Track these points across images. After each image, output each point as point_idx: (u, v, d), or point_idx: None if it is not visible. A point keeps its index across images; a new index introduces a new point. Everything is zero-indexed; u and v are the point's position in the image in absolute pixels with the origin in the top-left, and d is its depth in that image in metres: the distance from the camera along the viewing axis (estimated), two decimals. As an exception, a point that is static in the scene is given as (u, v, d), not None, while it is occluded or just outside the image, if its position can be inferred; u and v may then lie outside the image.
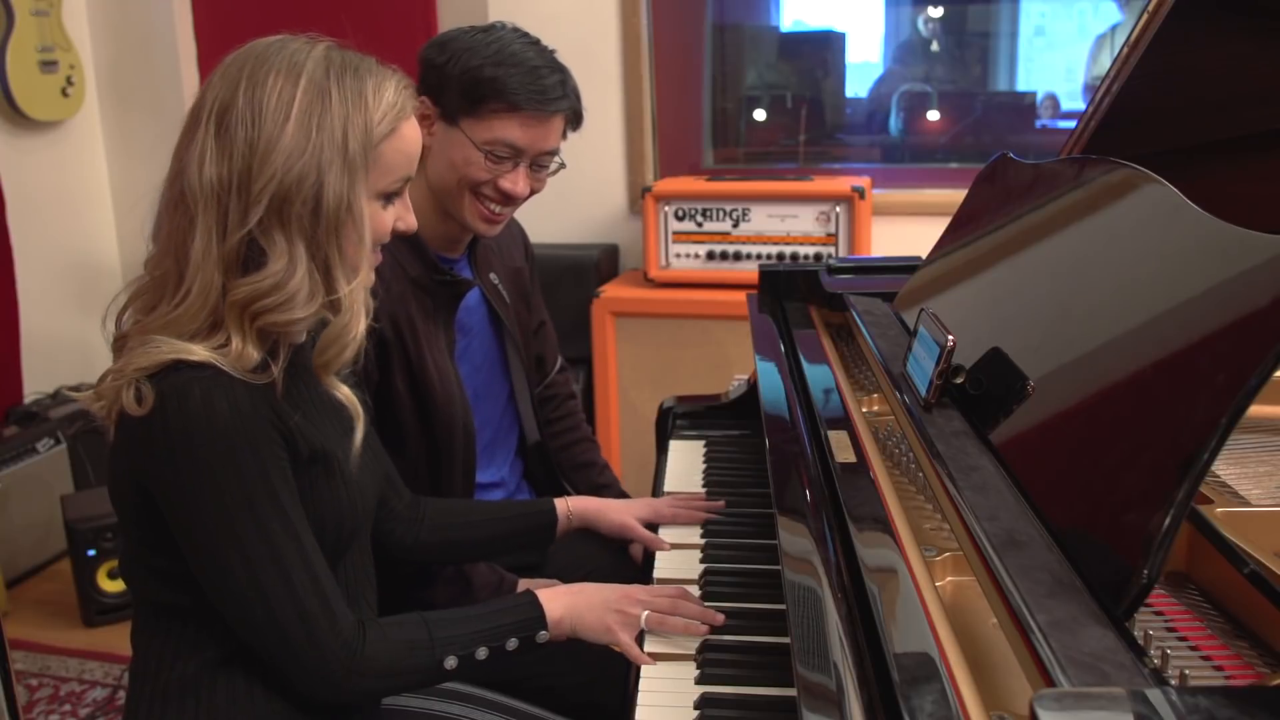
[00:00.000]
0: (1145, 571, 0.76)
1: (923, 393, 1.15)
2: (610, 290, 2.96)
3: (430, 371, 1.55)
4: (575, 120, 1.57)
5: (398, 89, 1.14)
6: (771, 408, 1.44)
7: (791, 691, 0.98)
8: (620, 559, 1.78)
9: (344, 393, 1.16)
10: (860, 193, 2.76)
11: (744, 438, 1.82)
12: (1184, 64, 1.37)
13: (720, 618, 1.24)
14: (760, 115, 3.39)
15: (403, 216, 1.19)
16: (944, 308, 1.25)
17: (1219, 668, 0.81)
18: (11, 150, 3.28)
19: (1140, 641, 0.78)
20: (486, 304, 1.69)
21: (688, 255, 2.93)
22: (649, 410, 2.01)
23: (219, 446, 1.05)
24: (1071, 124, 1.51)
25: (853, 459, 1.17)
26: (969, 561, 0.93)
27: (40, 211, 3.39)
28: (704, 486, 1.67)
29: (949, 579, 1.00)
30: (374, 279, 1.21)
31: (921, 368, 1.18)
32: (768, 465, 1.32)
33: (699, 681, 1.15)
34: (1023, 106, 3.33)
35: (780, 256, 2.86)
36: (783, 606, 1.07)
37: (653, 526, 1.54)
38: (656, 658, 1.21)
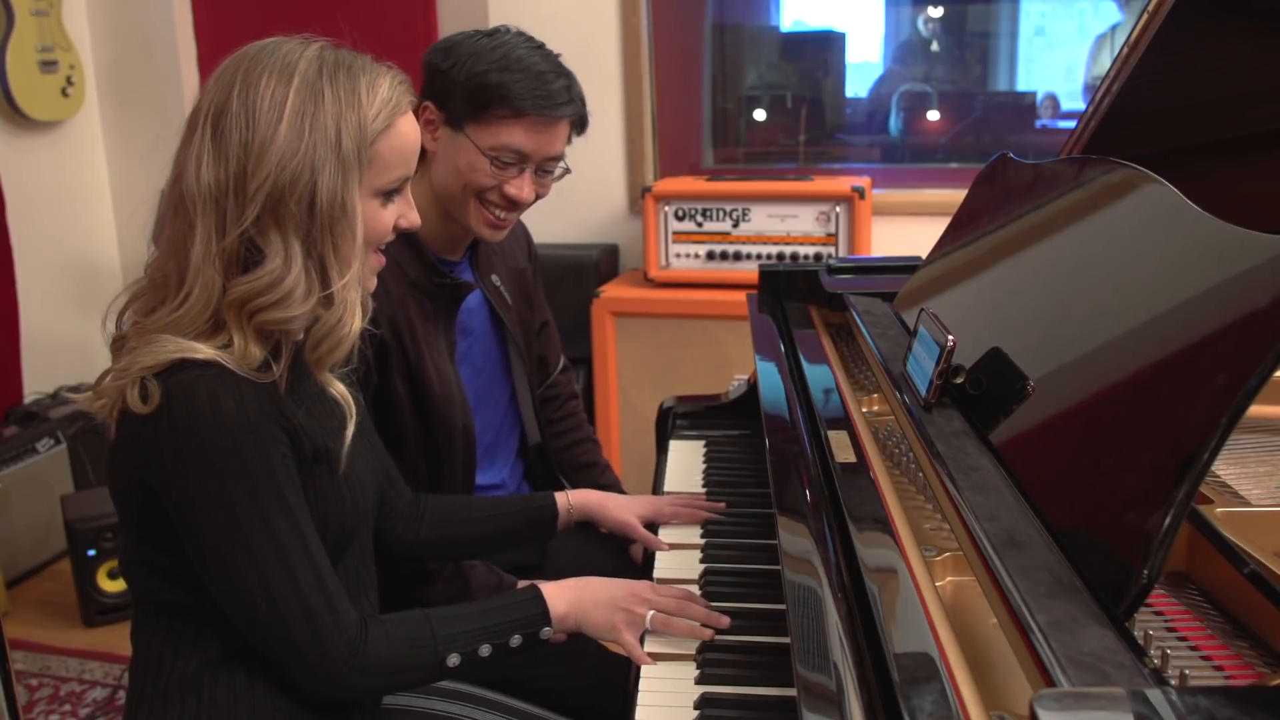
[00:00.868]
0: (1145, 571, 0.76)
1: (923, 393, 1.15)
2: (610, 290, 2.96)
3: (430, 374, 1.55)
4: (580, 125, 1.57)
5: (392, 85, 1.14)
6: (771, 408, 1.44)
7: (791, 691, 0.98)
8: (621, 559, 1.78)
9: (338, 389, 1.16)
10: (860, 193, 2.76)
11: (744, 438, 1.82)
12: (1184, 64, 1.37)
13: (726, 620, 1.24)
14: (760, 115, 3.39)
15: (405, 214, 1.19)
16: (944, 308, 1.25)
17: (1219, 668, 0.81)
18: (11, 150, 3.28)
19: (1140, 641, 0.78)
20: (488, 306, 1.69)
21: (688, 255, 2.93)
22: (649, 410, 2.01)
23: (225, 444, 1.05)
24: (1071, 124, 1.51)
25: (853, 459, 1.17)
26: (969, 561, 0.93)
27: (40, 211, 3.39)
28: (704, 486, 1.67)
29: (949, 579, 1.00)
30: (375, 280, 1.21)
31: (921, 368, 1.18)
32: (768, 465, 1.32)
33: (699, 681, 1.15)
34: (1023, 106, 3.33)
35: (780, 256, 2.86)
36: (783, 606, 1.07)
37: (652, 526, 1.54)
38: (656, 658, 1.21)
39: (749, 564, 1.41)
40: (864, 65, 3.40)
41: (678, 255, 2.94)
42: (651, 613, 1.24)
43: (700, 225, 2.91)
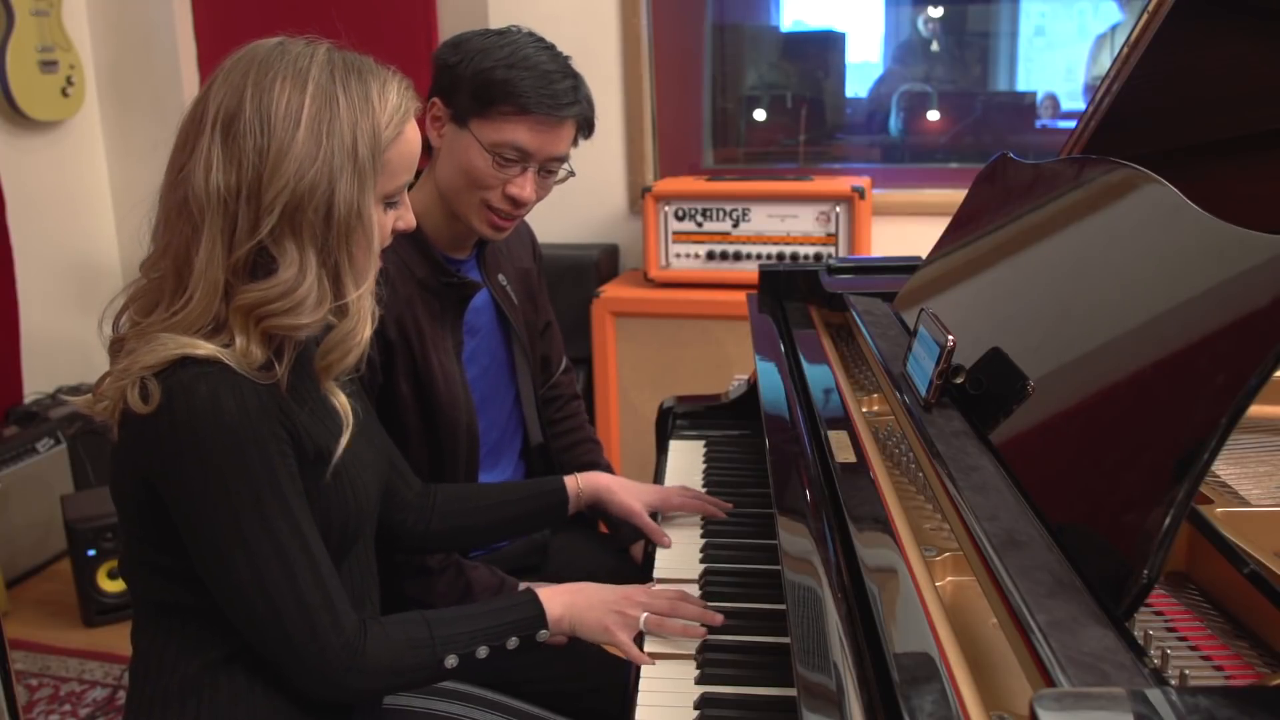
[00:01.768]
0: (1145, 571, 0.76)
1: (923, 393, 1.15)
2: (610, 290, 2.96)
3: (435, 374, 1.55)
4: (587, 128, 1.56)
5: (400, 91, 1.14)
6: (771, 408, 1.44)
7: (791, 691, 0.98)
8: (621, 560, 1.78)
9: (340, 399, 1.15)
10: (860, 193, 2.76)
11: (744, 438, 1.82)
12: (1184, 64, 1.37)
13: (719, 618, 1.24)
14: (760, 115, 3.39)
15: (402, 216, 1.19)
16: (944, 308, 1.25)
17: (1219, 668, 0.81)
18: (11, 150, 3.28)
19: (1140, 641, 0.78)
20: (495, 305, 1.69)
21: (688, 255, 2.93)
22: (649, 410, 2.01)
23: (226, 443, 1.05)
24: (1071, 124, 1.51)
25: (853, 459, 1.17)
26: (969, 561, 0.93)
27: (40, 211, 3.39)
28: (704, 487, 1.67)
29: (949, 579, 1.00)
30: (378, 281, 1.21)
31: (921, 368, 1.18)
32: (768, 465, 1.32)
33: (699, 681, 1.15)
34: (1023, 106, 3.33)
35: (780, 256, 2.86)
36: (783, 606, 1.07)
37: (653, 516, 1.54)
38: (656, 658, 1.21)
39: (749, 564, 1.41)
40: (864, 65, 3.40)
41: (678, 255, 2.93)
42: (645, 614, 1.25)
43: (700, 225, 2.91)
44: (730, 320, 2.74)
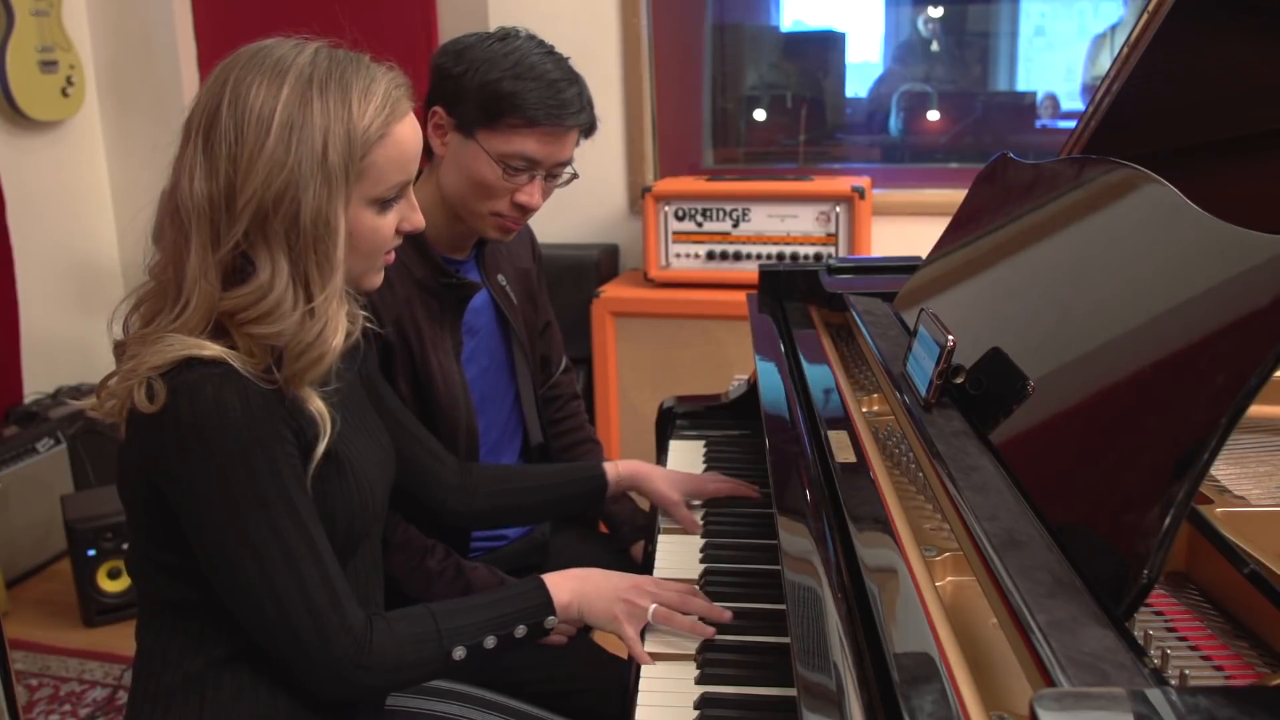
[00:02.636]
0: (1145, 571, 0.76)
1: (923, 393, 1.15)
2: (610, 290, 2.96)
3: (434, 374, 1.55)
4: (589, 130, 1.57)
5: (388, 90, 1.12)
6: (771, 408, 1.44)
7: (791, 691, 0.99)
8: (621, 559, 1.78)
9: (315, 405, 1.12)
10: (860, 193, 2.76)
11: (744, 438, 1.82)
12: (1184, 64, 1.37)
13: (728, 615, 1.24)
14: (760, 115, 3.39)
15: (408, 217, 1.18)
16: (944, 308, 1.25)
17: (1219, 668, 0.81)
18: (11, 150, 3.28)
19: (1140, 641, 0.78)
20: (494, 306, 1.69)
21: (688, 255, 2.93)
22: (649, 410, 2.01)
23: (231, 443, 1.05)
24: (1071, 124, 1.51)
25: (853, 459, 1.17)
26: (969, 561, 0.93)
27: (40, 211, 3.39)
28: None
29: (949, 579, 1.00)
30: (380, 282, 1.20)
31: (921, 368, 1.18)
32: (768, 465, 1.32)
33: (699, 681, 1.15)
34: (1023, 106, 3.33)
35: (780, 256, 2.86)
36: (783, 606, 1.07)
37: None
38: (656, 658, 1.21)
39: (749, 564, 1.41)
40: (864, 65, 3.40)
41: (678, 255, 2.94)
42: (654, 606, 1.24)
43: (700, 225, 2.91)
44: (730, 320, 2.74)
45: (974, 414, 1.10)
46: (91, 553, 2.76)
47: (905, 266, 1.64)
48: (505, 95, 1.47)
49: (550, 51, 1.54)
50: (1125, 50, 1.37)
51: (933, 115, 3.30)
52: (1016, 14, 3.30)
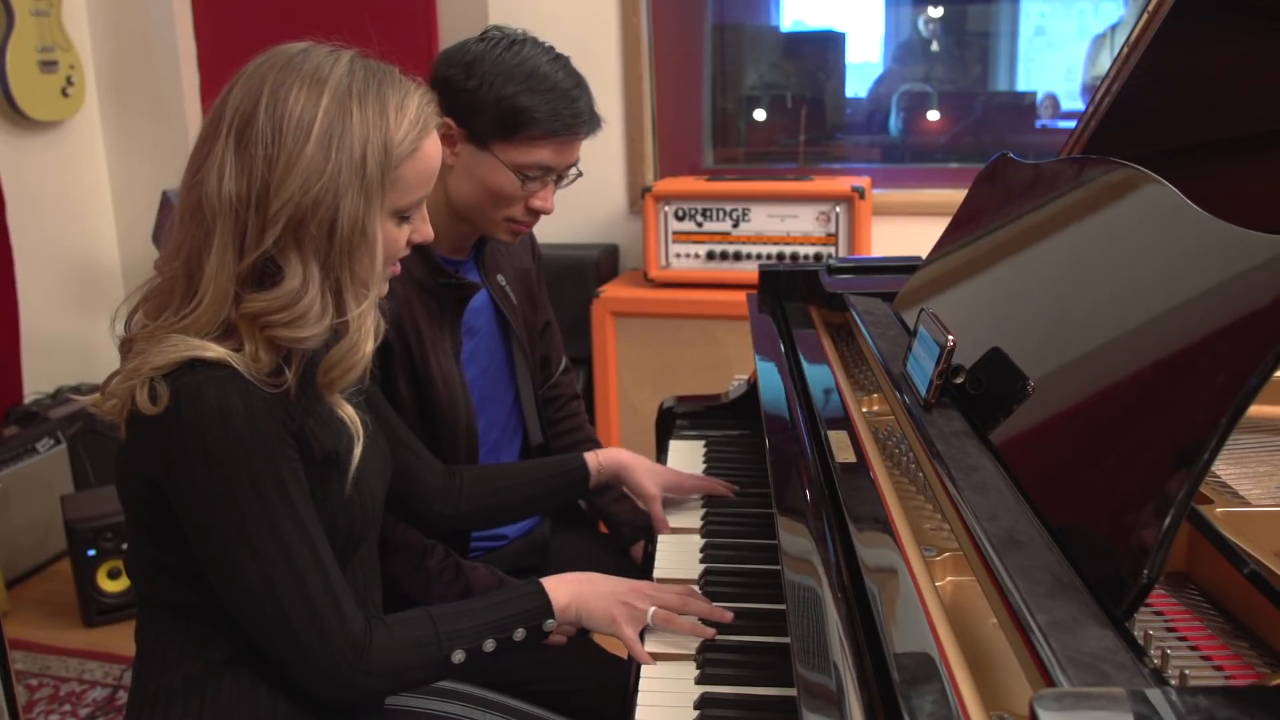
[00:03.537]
0: (1145, 571, 0.76)
1: (923, 393, 1.15)
2: (610, 290, 2.96)
3: (434, 375, 1.55)
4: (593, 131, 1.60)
5: (420, 107, 1.13)
6: (771, 408, 1.44)
7: (791, 691, 0.99)
8: (621, 560, 1.78)
9: (347, 411, 1.15)
10: (860, 193, 2.76)
11: (744, 438, 1.82)
12: (1184, 64, 1.37)
13: (729, 616, 1.25)
14: (760, 115, 3.39)
15: (419, 229, 1.19)
16: (944, 308, 1.25)
17: (1219, 668, 0.81)
18: (11, 150, 3.28)
19: (1140, 641, 0.78)
20: (494, 306, 1.70)
21: (688, 255, 2.93)
22: (649, 410, 2.01)
23: (233, 445, 1.05)
24: (1071, 124, 1.51)
25: (853, 459, 1.17)
26: (969, 561, 0.93)
27: (40, 211, 3.39)
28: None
29: (949, 579, 1.00)
30: (385, 291, 1.21)
31: (921, 368, 1.18)
32: (768, 465, 1.32)
33: (699, 681, 1.15)
34: (1023, 106, 3.33)
35: (780, 256, 2.86)
36: (783, 606, 1.07)
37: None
38: (656, 657, 1.21)
39: (749, 564, 1.41)
40: (864, 65, 3.40)
41: (678, 255, 2.94)
42: (653, 609, 1.24)
43: (700, 225, 2.91)
44: (730, 320, 2.74)
45: (974, 414, 1.10)
46: (91, 553, 2.76)
47: (905, 266, 1.64)
48: (522, 110, 1.48)
49: (557, 57, 1.55)
50: (1125, 50, 1.37)
51: (933, 115, 3.30)
52: (1016, 14, 3.30)
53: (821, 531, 1.07)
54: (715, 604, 1.27)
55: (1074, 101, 3.22)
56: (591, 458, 1.59)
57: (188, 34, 3.52)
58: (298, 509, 1.09)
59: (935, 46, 3.31)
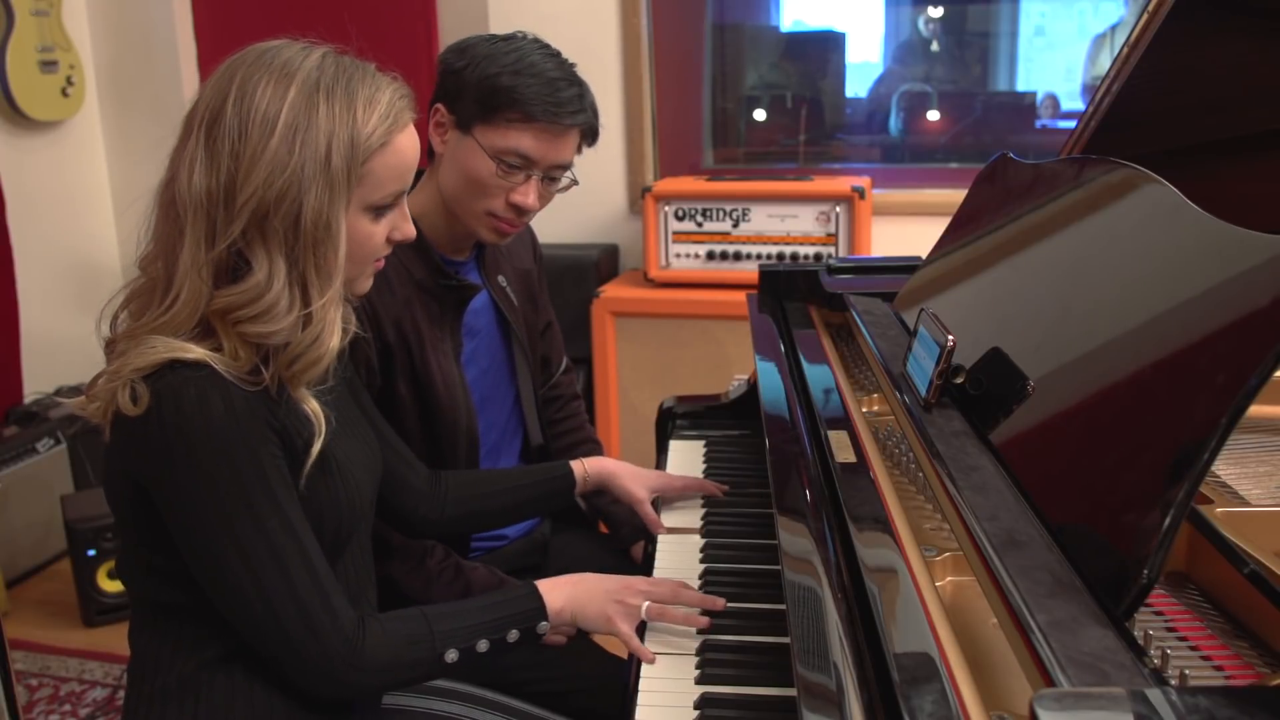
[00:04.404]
0: (1145, 571, 0.76)
1: (923, 393, 1.15)
2: (610, 290, 2.96)
3: (434, 376, 1.55)
4: (591, 136, 1.56)
5: (392, 100, 1.12)
6: (771, 408, 1.44)
7: (791, 691, 0.98)
8: (621, 560, 1.78)
9: (311, 406, 1.13)
10: (860, 193, 2.76)
11: (744, 438, 1.82)
12: (1184, 64, 1.37)
13: (721, 602, 1.25)
14: (760, 115, 3.39)
15: (399, 226, 1.18)
16: (944, 308, 1.25)
17: (1219, 668, 0.81)
18: (11, 150, 3.28)
19: (1140, 641, 0.78)
20: (494, 307, 1.69)
21: (688, 255, 2.93)
22: (649, 410, 2.01)
23: (215, 445, 1.05)
24: (1071, 124, 1.51)
25: (853, 459, 1.17)
26: (969, 561, 0.93)
27: (40, 211, 3.39)
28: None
29: (949, 579, 1.00)
30: (370, 286, 1.21)
31: (921, 368, 1.18)
32: (768, 465, 1.32)
33: (699, 681, 1.15)
34: (1023, 106, 3.33)
35: (780, 256, 2.86)
36: (783, 606, 1.07)
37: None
38: (656, 656, 1.21)
39: (749, 564, 1.41)
40: (864, 65, 3.40)
41: (678, 255, 2.94)
42: (647, 603, 1.25)
43: (700, 225, 2.91)
44: (730, 320, 2.74)
45: (974, 414, 1.10)
46: (91, 553, 2.76)
47: (905, 266, 1.64)
48: (502, 89, 1.46)
49: (554, 54, 1.54)
50: (1125, 50, 1.37)
51: (933, 115, 3.30)
52: (1016, 14, 3.30)
53: (821, 531, 1.07)
54: (707, 594, 1.27)
55: (1074, 101, 3.22)
56: (578, 466, 1.58)
57: (188, 34, 3.52)
58: (283, 506, 1.09)
59: (935, 46, 3.31)
